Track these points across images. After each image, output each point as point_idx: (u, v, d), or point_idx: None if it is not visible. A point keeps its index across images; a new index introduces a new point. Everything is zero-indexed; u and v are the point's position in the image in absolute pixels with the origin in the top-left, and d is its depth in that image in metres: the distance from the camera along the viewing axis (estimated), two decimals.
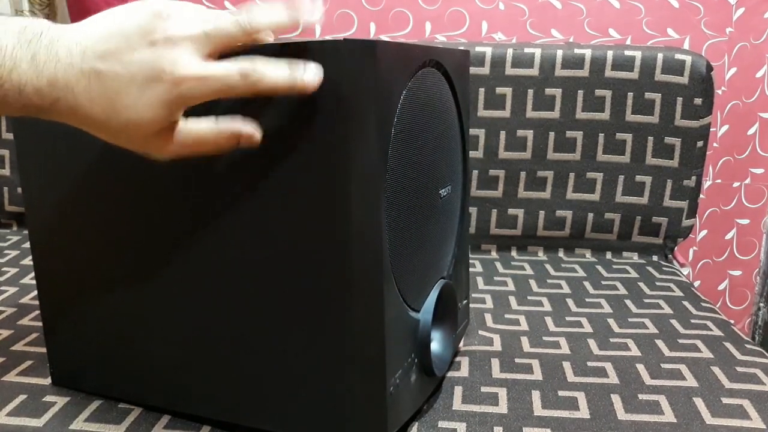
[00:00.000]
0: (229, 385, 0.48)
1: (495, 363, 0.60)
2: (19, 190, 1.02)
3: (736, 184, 1.26)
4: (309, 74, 0.38)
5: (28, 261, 0.88)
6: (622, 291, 0.80)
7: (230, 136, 0.40)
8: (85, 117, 0.37)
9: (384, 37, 1.19)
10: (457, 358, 0.61)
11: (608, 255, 0.96)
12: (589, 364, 0.60)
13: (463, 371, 0.59)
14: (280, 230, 0.43)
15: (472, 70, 0.92)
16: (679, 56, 0.91)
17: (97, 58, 0.36)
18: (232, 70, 0.37)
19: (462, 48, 0.57)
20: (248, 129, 0.40)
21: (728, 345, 0.64)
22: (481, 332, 0.67)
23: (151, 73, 0.36)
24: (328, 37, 1.17)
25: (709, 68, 0.91)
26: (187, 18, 0.37)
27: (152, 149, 0.39)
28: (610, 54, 0.91)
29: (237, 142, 0.40)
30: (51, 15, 1.20)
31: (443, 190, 0.53)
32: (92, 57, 0.36)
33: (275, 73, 0.38)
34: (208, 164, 0.45)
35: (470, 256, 0.88)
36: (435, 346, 0.51)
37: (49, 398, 0.53)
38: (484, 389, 0.56)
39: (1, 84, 0.34)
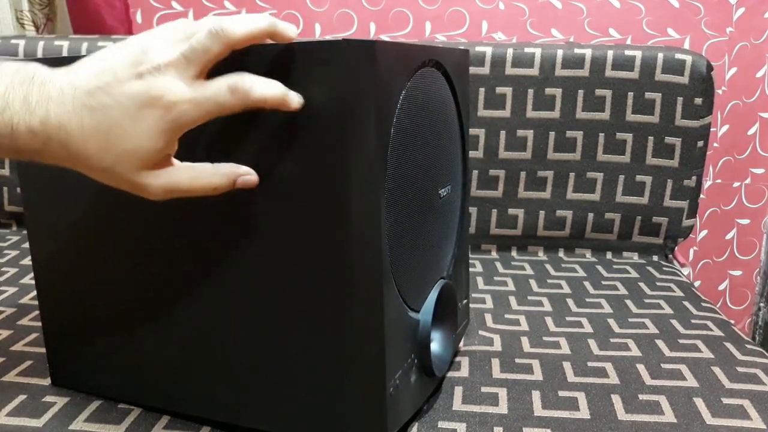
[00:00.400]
0: (228, 386, 0.48)
1: (495, 363, 0.60)
2: (19, 190, 1.02)
3: (736, 184, 1.26)
4: (293, 94, 0.40)
5: (28, 261, 0.88)
6: (623, 291, 0.80)
7: (227, 176, 0.41)
8: (77, 155, 0.37)
9: (384, 37, 1.19)
10: (457, 358, 0.61)
11: (608, 255, 0.96)
12: (590, 364, 0.60)
13: (463, 371, 0.59)
14: (280, 231, 0.43)
15: (472, 70, 0.92)
16: (679, 56, 0.91)
17: (88, 95, 0.36)
18: (221, 87, 0.37)
19: (462, 48, 0.57)
20: (245, 170, 0.41)
21: (728, 345, 0.64)
22: (481, 332, 0.67)
23: (143, 101, 0.36)
24: (327, 37, 1.17)
25: (710, 68, 0.91)
26: (165, 43, 0.37)
27: (147, 188, 0.39)
28: (610, 54, 0.91)
29: (233, 184, 0.41)
30: (51, 15, 1.20)
31: (443, 190, 0.52)
32: (83, 94, 0.36)
33: (264, 83, 0.38)
34: None
35: (470, 256, 0.88)
36: (435, 346, 0.51)
37: (48, 398, 0.53)
38: (484, 389, 0.56)
39: None
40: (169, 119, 0.37)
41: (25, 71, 0.36)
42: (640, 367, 0.59)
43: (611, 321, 0.71)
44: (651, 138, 0.92)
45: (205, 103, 0.37)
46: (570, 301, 0.77)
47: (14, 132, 0.35)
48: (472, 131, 0.93)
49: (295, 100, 0.39)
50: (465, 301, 0.63)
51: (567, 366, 0.60)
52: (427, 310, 0.49)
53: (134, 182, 0.38)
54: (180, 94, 0.36)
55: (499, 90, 0.92)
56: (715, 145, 1.23)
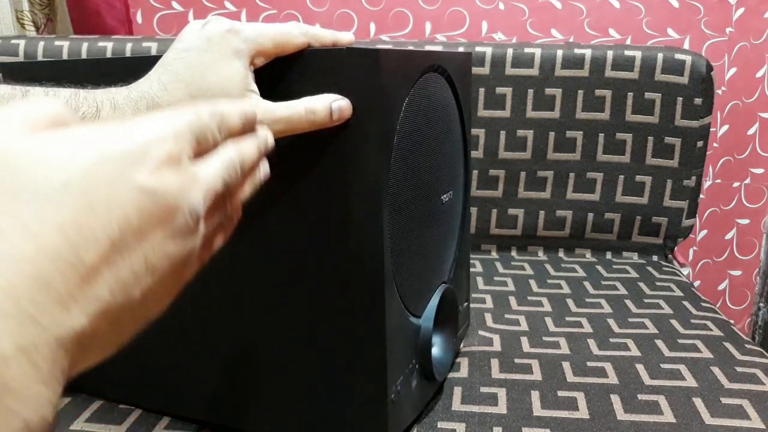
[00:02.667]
0: (230, 390, 0.48)
1: (494, 363, 0.60)
2: None
3: (736, 184, 1.26)
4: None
5: None
6: (622, 291, 0.80)
7: (323, 98, 0.40)
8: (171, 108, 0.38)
9: (384, 38, 1.19)
10: (457, 359, 0.61)
11: (608, 255, 0.96)
12: (589, 364, 0.60)
13: (463, 372, 0.59)
14: (282, 238, 0.43)
15: (472, 70, 0.92)
16: (679, 56, 0.91)
17: (159, 64, 0.39)
18: (294, 29, 0.40)
19: (464, 51, 0.57)
20: (339, 96, 0.40)
21: (728, 345, 0.64)
22: (481, 332, 0.67)
23: (207, 34, 0.39)
24: None
25: (709, 68, 0.91)
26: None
27: None
28: (610, 54, 0.91)
29: (329, 106, 0.39)
30: (51, 15, 1.20)
31: (445, 196, 0.52)
32: (155, 68, 0.39)
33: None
34: None
35: (470, 256, 0.88)
36: (436, 351, 0.51)
37: None
38: (483, 389, 0.56)
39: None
40: (239, 38, 0.39)
41: None
42: (640, 367, 0.60)
43: (611, 321, 0.71)
44: (651, 138, 0.92)
45: (271, 28, 0.40)
46: (570, 301, 0.77)
47: (100, 111, 0.37)
48: (473, 131, 0.93)
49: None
50: (465, 304, 0.63)
51: (566, 366, 0.60)
52: (428, 316, 0.49)
53: None
54: (243, 23, 0.39)
55: (499, 90, 0.93)
56: (715, 145, 1.23)
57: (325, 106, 0.39)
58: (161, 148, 0.23)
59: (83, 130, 0.23)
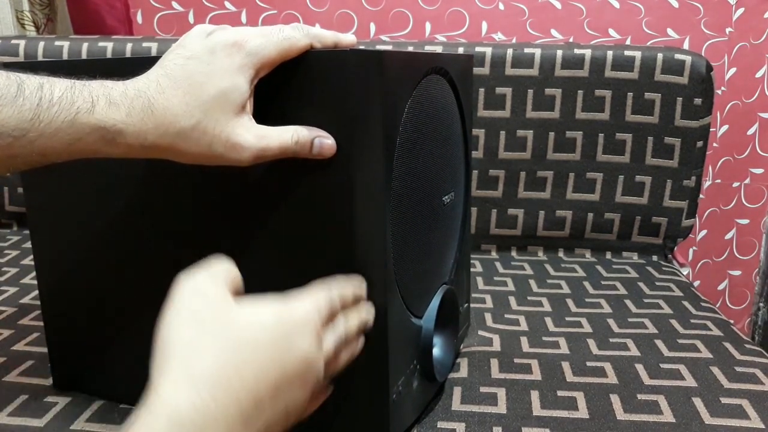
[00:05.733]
0: None
1: (494, 363, 0.60)
2: (20, 190, 1.02)
3: (735, 184, 1.26)
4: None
5: (28, 261, 0.88)
6: (622, 291, 0.80)
7: (307, 130, 0.40)
8: (164, 116, 0.37)
9: (384, 38, 1.19)
10: (457, 359, 0.61)
11: (608, 255, 0.96)
12: (589, 364, 0.60)
13: (463, 371, 0.59)
14: (285, 238, 0.44)
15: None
16: (678, 56, 0.91)
17: (160, 66, 0.39)
18: (297, 33, 0.40)
19: (464, 51, 0.57)
20: (324, 133, 0.41)
21: (727, 345, 0.64)
22: (480, 332, 0.67)
23: (214, 45, 0.38)
24: None
25: (709, 68, 0.91)
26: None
27: (242, 143, 0.39)
28: (609, 54, 0.91)
29: (311, 141, 0.40)
30: (51, 15, 1.20)
31: (446, 197, 0.52)
32: (156, 68, 0.39)
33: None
34: (212, 171, 0.45)
35: (470, 256, 0.88)
36: (437, 351, 0.51)
37: (50, 398, 0.54)
38: (483, 389, 0.56)
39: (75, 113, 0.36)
40: (243, 53, 0.38)
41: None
42: (639, 367, 0.60)
43: (610, 321, 0.71)
44: (650, 138, 0.92)
45: (274, 37, 0.39)
46: (569, 301, 0.77)
47: (95, 105, 0.36)
48: (473, 132, 0.93)
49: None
50: (466, 305, 0.63)
51: (566, 366, 0.60)
52: (429, 317, 0.50)
53: (228, 137, 0.38)
54: (248, 33, 0.39)
55: (498, 90, 0.93)
56: (715, 145, 1.23)
57: (308, 139, 0.40)
58: (313, 322, 0.36)
59: (265, 303, 0.36)
